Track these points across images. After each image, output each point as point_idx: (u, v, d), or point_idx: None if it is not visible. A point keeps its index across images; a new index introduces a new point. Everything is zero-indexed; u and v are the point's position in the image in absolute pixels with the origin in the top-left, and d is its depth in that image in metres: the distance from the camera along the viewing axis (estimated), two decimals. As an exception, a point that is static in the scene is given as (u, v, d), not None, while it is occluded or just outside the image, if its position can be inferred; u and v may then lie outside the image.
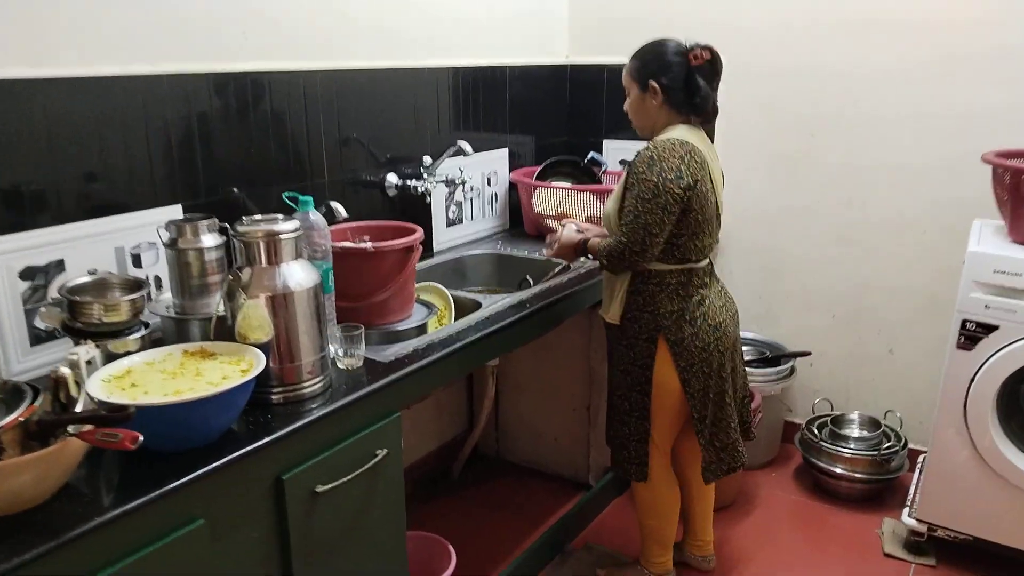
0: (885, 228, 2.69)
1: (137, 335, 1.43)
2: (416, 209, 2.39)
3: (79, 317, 1.39)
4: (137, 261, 1.71)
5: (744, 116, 2.85)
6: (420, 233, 1.87)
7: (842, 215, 2.75)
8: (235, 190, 1.91)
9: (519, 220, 2.83)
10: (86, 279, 1.47)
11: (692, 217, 1.82)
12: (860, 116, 2.64)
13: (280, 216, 1.47)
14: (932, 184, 2.57)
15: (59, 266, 1.58)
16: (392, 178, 2.29)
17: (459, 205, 2.61)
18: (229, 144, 1.86)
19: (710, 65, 1.86)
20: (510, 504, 2.60)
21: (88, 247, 1.62)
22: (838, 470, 2.59)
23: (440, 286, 2.09)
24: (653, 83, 1.85)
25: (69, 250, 1.59)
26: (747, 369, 2.73)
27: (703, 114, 1.89)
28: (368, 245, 1.75)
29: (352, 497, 1.52)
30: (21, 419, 1.08)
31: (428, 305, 1.98)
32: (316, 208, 1.92)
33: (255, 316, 1.41)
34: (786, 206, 2.84)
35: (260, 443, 1.32)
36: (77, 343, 1.37)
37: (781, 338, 2.95)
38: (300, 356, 1.46)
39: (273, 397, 1.45)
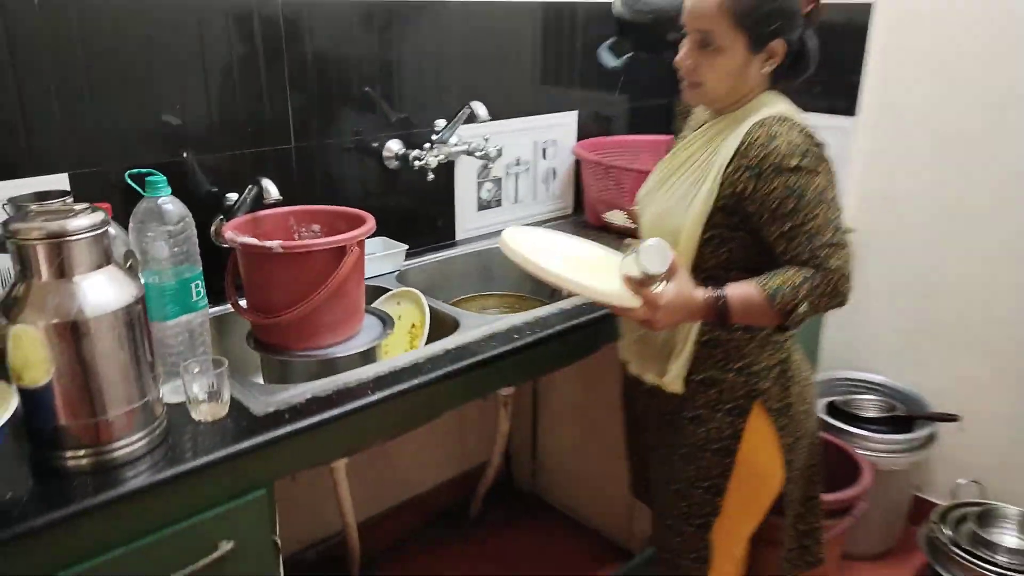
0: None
1: None
2: (429, 187, 1.89)
3: None
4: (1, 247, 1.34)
5: (901, 79, 2.09)
6: (365, 227, 1.38)
7: (1033, 228, 1.95)
8: (184, 154, 1.50)
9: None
10: None
11: None
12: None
13: (82, 207, 1.02)
14: None
15: None
16: (394, 146, 1.80)
17: (496, 183, 2.07)
18: (159, 92, 1.45)
19: (816, 16, 1.24)
20: (531, 560, 2.10)
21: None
22: (977, 592, 1.85)
23: (417, 293, 1.59)
24: (779, 43, 1.20)
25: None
26: (866, 433, 2.05)
27: (785, 84, 1.28)
28: (274, 244, 1.28)
29: (172, 609, 1.09)
30: None
31: (384, 320, 1.49)
32: (253, 185, 1.49)
33: (27, 350, 0.98)
34: (954, 204, 2.07)
35: None
36: None
37: (922, 388, 2.20)
38: (103, 407, 1.02)
39: (67, 463, 1.03)
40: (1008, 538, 1.95)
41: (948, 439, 2.14)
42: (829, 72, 2.14)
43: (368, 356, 1.41)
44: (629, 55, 1.79)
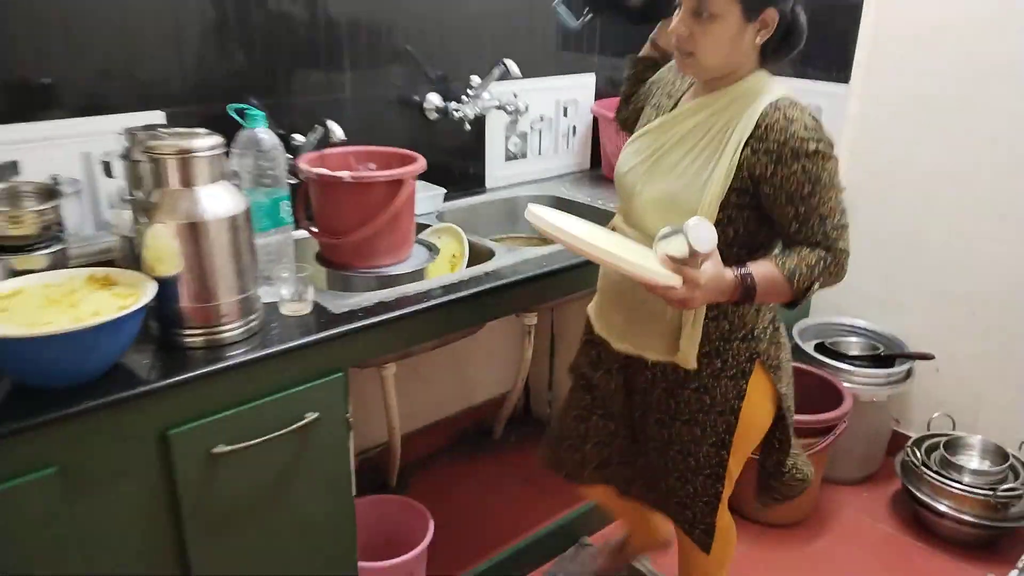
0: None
1: (45, 252, 1.28)
2: (463, 138, 2.11)
3: (-19, 226, 1.25)
4: (108, 170, 1.57)
5: (888, 49, 2.30)
6: (417, 164, 1.60)
7: (1006, 185, 2.17)
8: (252, 100, 1.72)
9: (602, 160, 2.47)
10: (-3, 184, 1.33)
11: None
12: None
13: (202, 131, 1.25)
14: None
15: (12, 169, 1.46)
16: (435, 98, 2.02)
17: (522, 137, 2.29)
18: (239, 45, 1.66)
19: None
20: (544, 478, 2.34)
21: (49, 150, 1.49)
22: (942, 507, 2.10)
23: (458, 229, 1.82)
24: (772, 12, 1.22)
25: (27, 152, 1.46)
26: (850, 368, 2.29)
27: (776, 59, 1.31)
28: (344, 174, 1.51)
29: (268, 464, 1.32)
30: None
31: (430, 248, 1.72)
32: (315, 128, 1.72)
33: (160, 246, 1.21)
34: (934, 167, 2.29)
35: (135, 391, 1.14)
36: (-24, 254, 1.25)
37: (903, 332, 2.43)
38: (216, 295, 1.25)
39: (186, 340, 1.26)
40: (972, 462, 2.19)
41: (925, 378, 2.38)
42: (825, 43, 2.37)
43: (417, 275, 1.64)
44: (588, 16, 1.69)
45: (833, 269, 1.23)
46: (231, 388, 1.25)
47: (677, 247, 1.10)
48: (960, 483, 2.08)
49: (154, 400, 1.17)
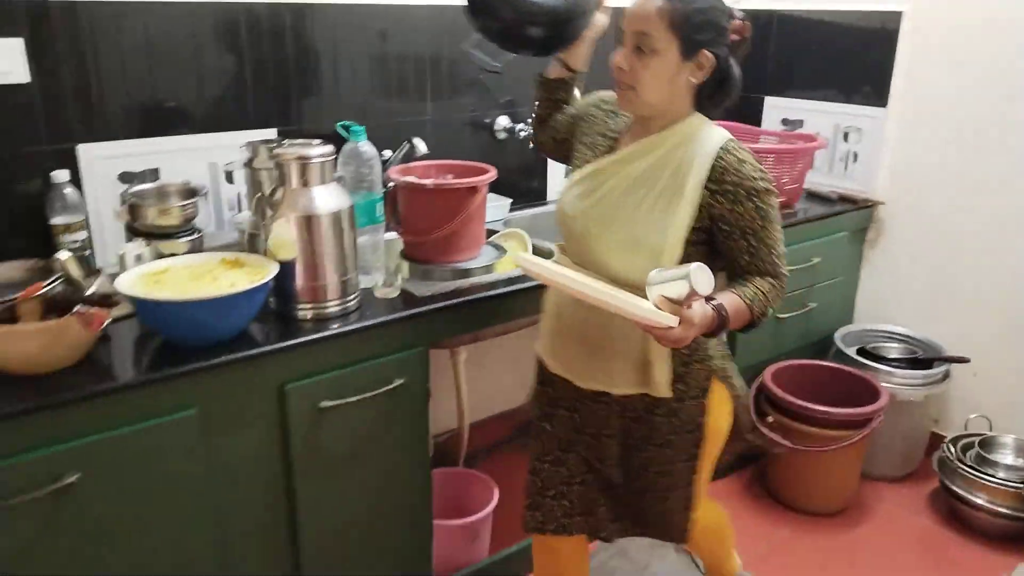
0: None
1: (186, 239, 1.56)
2: (527, 156, 2.35)
3: (137, 218, 1.54)
4: (229, 177, 1.86)
5: (925, 75, 2.46)
6: (489, 174, 1.85)
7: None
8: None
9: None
10: (149, 185, 1.62)
11: None
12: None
13: (317, 142, 1.52)
14: None
15: (154, 174, 1.75)
16: (504, 120, 2.27)
17: (582, 156, 2.52)
18: (339, 76, 1.95)
19: (741, 48, 1.36)
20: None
21: (183, 160, 1.78)
22: (978, 500, 2.22)
23: (523, 233, 2.05)
24: (706, 54, 1.31)
25: (165, 161, 1.76)
26: (889, 369, 2.43)
27: (711, 108, 1.39)
28: (428, 182, 1.76)
29: (362, 420, 1.57)
30: (31, 296, 1.23)
31: (498, 248, 1.96)
32: (402, 144, 1.98)
33: (281, 235, 1.48)
34: (970, 181, 2.43)
35: (260, 349, 1.40)
36: (133, 240, 1.53)
37: (941, 338, 2.55)
38: (323, 277, 1.51)
39: (298, 313, 1.52)
40: (1007, 458, 2.30)
41: (963, 382, 2.50)
42: (864, 69, 2.55)
43: (488, 269, 1.87)
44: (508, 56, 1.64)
45: (780, 294, 1.36)
46: (334, 353, 1.50)
47: (676, 290, 1.16)
48: (995, 478, 2.20)
49: (274, 359, 1.43)
